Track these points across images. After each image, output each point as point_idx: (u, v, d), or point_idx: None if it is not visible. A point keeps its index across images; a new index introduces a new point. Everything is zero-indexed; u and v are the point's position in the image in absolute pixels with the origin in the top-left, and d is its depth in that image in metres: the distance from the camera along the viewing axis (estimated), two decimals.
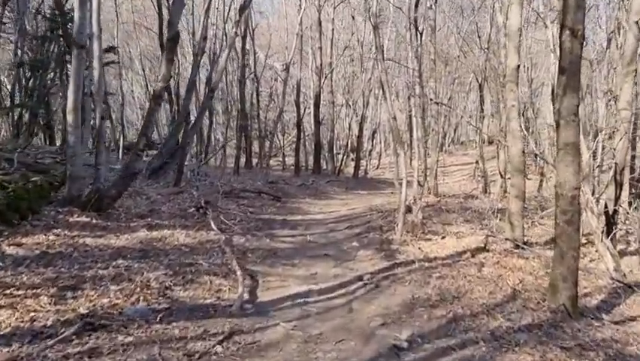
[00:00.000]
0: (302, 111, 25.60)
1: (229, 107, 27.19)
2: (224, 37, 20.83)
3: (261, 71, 26.81)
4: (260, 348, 4.73)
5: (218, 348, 4.58)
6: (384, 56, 11.16)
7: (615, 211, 9.18)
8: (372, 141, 35.12)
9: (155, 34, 24.05)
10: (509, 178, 21.65)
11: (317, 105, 24.55)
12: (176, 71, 21.96)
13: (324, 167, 26.69)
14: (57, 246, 6.92)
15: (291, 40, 21.75)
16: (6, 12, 15.05)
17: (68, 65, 11.66)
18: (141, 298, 5.47)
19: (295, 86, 24.91)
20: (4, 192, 7.47)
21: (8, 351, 4.10)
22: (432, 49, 17.92)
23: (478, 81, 21.03)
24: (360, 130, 27.63)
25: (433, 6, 16.90)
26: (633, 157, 13.14)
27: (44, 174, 9.53)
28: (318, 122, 24.68)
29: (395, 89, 31.86)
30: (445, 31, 27.06)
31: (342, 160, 28.32)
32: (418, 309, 5.85)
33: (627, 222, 10.42)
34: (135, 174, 8.95)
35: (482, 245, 9.06)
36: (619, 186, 9.27)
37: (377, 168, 34.07)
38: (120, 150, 26.51)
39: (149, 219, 9.32)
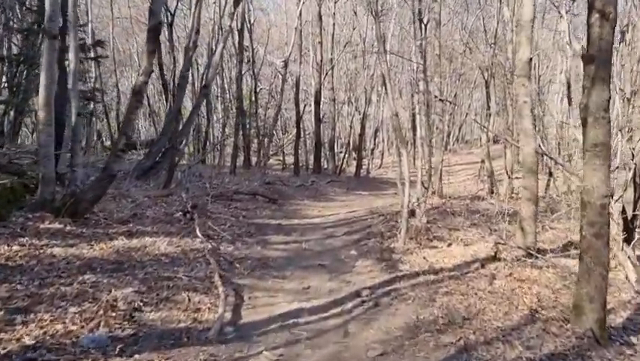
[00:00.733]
0: (302, 109, 24.82)
1: (229, 105, 26.48)
2: (222, 32, 20.15)
3: (259, 67, 26.04)
4: None
5: None
6: (387, 48, 10.41)
7: (635, 216, 8.44)
8: (375, 139, 34.30)
9: None
10: (519, 178, 20.81)
11: (317, 102, 23.77)
12: (173, 66, 21.19)
13: (325, 166, 25.93)
14: (19, 258, 6.19)
15: (291, 36, 20.91)
16: None
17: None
18: (103, 322, 4.73)
19: (295, 83, 24.12)
20: None
21: None
22: (436, 44, 17.16)
23: (484, 78, 20.25)
24: (362, 128, 26.88)
25: None
26: None
27: (18, 176, 8.81)
28: (318, 120, 23.91)
29: (398, 87, 31.14)
30: (449, 27, 26.26)
31: (343, 159, 27.57)
32: (422, 334, 5.08)
33: None
34: (114, 175, 8.22)
35: (492, 254, 8.32)
36: (639, 188, 8.54)
37: (380, 168, 33.29)
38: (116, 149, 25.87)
39: (131, 225, 8.59)
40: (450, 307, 5.81)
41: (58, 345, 4.22)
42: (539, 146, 12.03)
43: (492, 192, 18.60)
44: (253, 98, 25.08)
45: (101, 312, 4.90)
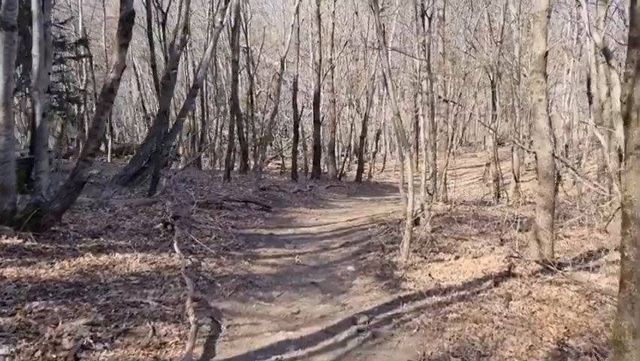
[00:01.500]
0: (300, 111, 23.94)
1: (226, 107, 25.68)
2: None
3: (255, 68, 25.19)
4: None
5: None
6: (388, 43, 9.55)
7: None
8: (377, 142, 33.38)
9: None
10: (525, 182, 19.92)
11: (316, 104, 22.88)
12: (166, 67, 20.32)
13: (325, 170, 25.03)
14: None
15: (288, 34, 20.04)
16: None
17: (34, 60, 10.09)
18: None
19: (292, 84, 23.24)
20: None
21: None
22: (440, 41, 16.32)
23: (490, 77, 19.35)
24: (364, 131, 26.03)
25: None
26: None
27: None
28: (317, 123, 23.02)
29: (400, 89, 30.26)
30: (453, 27, 25.40)
31: (344, 163, 26.70)
32: None
33: None
34: (83, 183, 7.35)
35: (506, 269, 7.44)
36: None
37: (382, 172, 32.44)
38: (109, 154, 25.06)
39: (103, 238, 7.72)
40: (462, 338, 4.91)
41: None
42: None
43: (499, 197, 17.76)
44: (250, 100, 24.21)
45: (39, 353, 4.03)
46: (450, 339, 4.90)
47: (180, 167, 15.26)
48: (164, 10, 19.10)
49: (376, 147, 33.15)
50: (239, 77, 29.42)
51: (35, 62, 7.62)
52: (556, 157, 11.07)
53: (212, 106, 27.96)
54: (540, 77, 8.39)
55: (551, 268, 7.38)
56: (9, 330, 4.39)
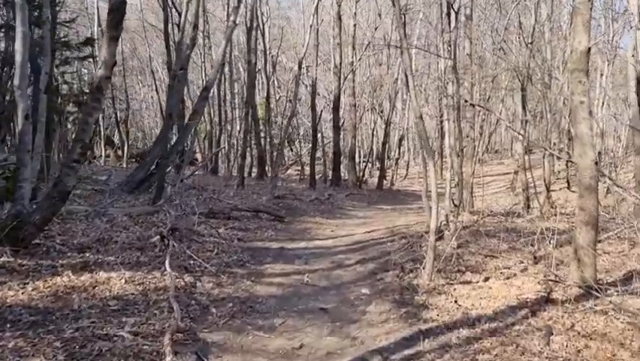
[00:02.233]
0: (319, 115, 23.10)
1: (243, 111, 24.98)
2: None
3: (273, 70, 24.45)
4: None
5: None
6: (409, 39, 8.67)
7: None
8: (400, 148, 32.32)
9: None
10: (554, 191, 18.68)
11: (336, 109, 22.01)
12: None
13: (345, 177, 24.13)
14: None
15: (307, 35, 19.22)
16: None
17: (17, 56, 9.46)
18: None
19: (311, 87, 22.43)
20: None
21: None
22: (467, 42, 15.36)
23: (520, 81, 18.29)
24: (386, 136, 25.09)
25: None
26: None
27: None
28: (337, 128, 22.14)
29: (425, 95, 29.25)
30: (480, 29, 24.38)
31: (364, 170, 25.77)
32: None
33: None
34: (67, 192, 6.61)
35: (543, 294, 6.51)
36: None
37: (405, 179, 31.38)
38: (124, 158, 24.57)
39: (90, 253, 6.96)
40: None
41: None
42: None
43: (528, 208, 16.72)
44: (268, 104, 23.47)
45: None
46: None
47: (187, 173, 14.48)
48: (180, 12, 18.45)
49: (399, 153, 32.10)
50: (259, 81, 28.90)
51: (18, 58, 6.93)
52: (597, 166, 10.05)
53: (230, 110, 27.30)
54: (582, 76, 7.42)
55: (595, 293, 6.44)
56: None
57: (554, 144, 20.61)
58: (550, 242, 9.33)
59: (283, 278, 7.44)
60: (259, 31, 21.01)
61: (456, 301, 6.23)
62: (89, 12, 25.51)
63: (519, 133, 16.78)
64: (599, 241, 9.29)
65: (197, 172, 16.58)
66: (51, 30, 12.30)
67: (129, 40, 32.45)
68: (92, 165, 22.52)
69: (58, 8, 12.68)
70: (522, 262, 8.55)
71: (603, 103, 24.70)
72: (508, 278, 7.52)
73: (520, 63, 17.83)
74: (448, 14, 14.10)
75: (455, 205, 11.17)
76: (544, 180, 17.12)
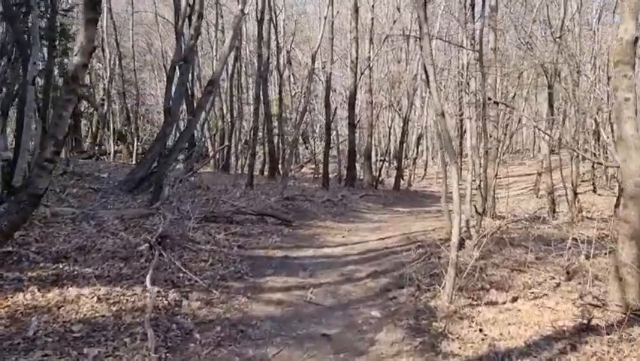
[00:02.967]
0: (333, 112, 22.18)
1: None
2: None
3: (285, 65, 23.60)
4: None
5: None
6: (429, 23, 7.77)
7: None
8: (418, 147, 31.27)
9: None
10: (580, 194, 17.58)
11: (352, 105, 21.06)
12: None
13: (360, 177, 23.20)
14: None
15: (321, 27, 18.32)
16: None
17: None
18: None
19: (325, 83, 21.52)
20: None
21: None
22: (492, 35, 14.34)
23: (546, 77, 17.23)
24: (404, 134, 24.11)
25: None
26: None
27: None
28: (353, 126, 21.19)
29: (444, 92, 28.18)
30: (505, 23, 23.28)
31: (381, 169, 24.82)
32: None
33: None
34: (39, 196, 5.84)
35: (582, 320, 5.61)
36: None
37: (422, 179, 30.38)
38: (134, 155, 23.94)
39: (66, 264, 6.17)
40: None
41: None
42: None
43: (554, 212, 15.73)
44: (280, 100, 22.62)
45: None
46: None
47: (195, 170, 13.67)
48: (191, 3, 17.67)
49: (417, 153, 31.06)
50: (273, 77, 28.08)
51: None
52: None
53: (243, 106, 26.51)
54: (627, 69, 6.50)
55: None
56: None
57: (580, 144, 19.55)
58: (583, 254, 8.43)
59: (284, 294, 6.60)
60: (272, 24, 20.10)
61: (481, 330, 5.34)
62: None
63: (546, 133, 15.80)
64: None
65: (200, 170, 15.73)
66: (50, 19, 11.67)
67: (144, 34, 31.89)
68: (100, 161, 21.91)
69: None
70: (553, 278, 7.65)
71: None
72: (538, 298, 6.63)
73: (547, 59, 16.79)
74: (472, 5, 13.17)
75: (479, 213, 10.26)
76: (572, 183, 16.08)
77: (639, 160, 6.21)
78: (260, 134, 21.06)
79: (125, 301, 5.37)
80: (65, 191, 10.87)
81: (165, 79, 29.35)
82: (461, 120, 28.06)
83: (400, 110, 26.67)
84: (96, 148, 24.41)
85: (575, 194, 15.78)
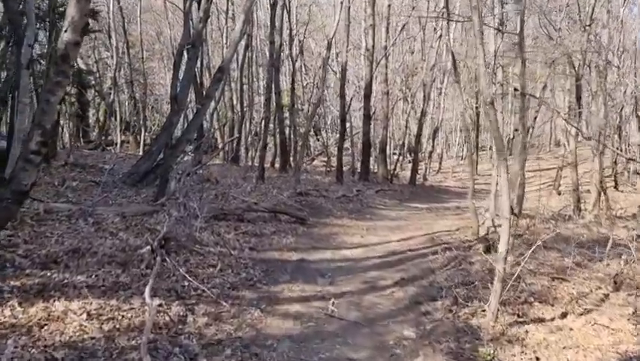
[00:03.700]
0: (348, 103, 21.30)
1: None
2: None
3: (298, 53, 22.74)
4: None
5: None
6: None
7: None
8: (434, 141, 30.35)
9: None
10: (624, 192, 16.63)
11: (367, 96, 20.18)
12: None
13: (375, 170, 22.37)
14: None
15: (338, 15, 17.45)
16: None
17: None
18: None
19: (340, 72, 20.63)
20: None
21: None
22: (518, 21, 13.43)
23: (574, 67, 16.31)
24: (420, 127, 23.23)
25: None
26: None
27: None
28: (368, 117, 20.32)
29: (463, 85, 27.23)
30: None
31: (396, 163, 23.97)
32: None
33: None
34: (24, 193, 5.11)
35: None
36: None
37: (437, 173, 29.50)
38: (141, 147, 23.22)
39: (56, 270, 5.42)
40: None
41: None
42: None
43: (579, 210, 14.88)
44: (292, 90, 21.77)
45: None
46: None
47: (203, 163, 12.89)
48: None
49: (432, 146, 30.16)
50: (286, 66, 27.23)
51: None
52: None
53: (254, 96, 25.74)
54: None
55: None
56: None
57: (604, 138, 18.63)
58: (623, 258, 7.67)
59: (302, 305, 5.83)
60: (285, 10, 19.24)
61: (538, 359, 4.55)
62: None
63: (575, 127, 14.91)
64: None
65: (209, 162, 14.95)
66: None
67: (153, 22, 31.15)
68: (106, 152, 21.23)
69: None
70: (599, 287, 6.87)
71: None
72: (588, 312, 5.88)
73: (574, 46, 15.85)
74: None
75: (515, 214, 9.45)
76: (601, 180, 15.19)
77: None
78: (271, 125, 20.26)
79: (119, 318, 4.62)
80: (64, 184, 10.16)
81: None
82: (477, 113, 27.21)
83: (413, 103, 25.79)
84: (103, 138, 23.73)
85: (603, 191, 14.92)
